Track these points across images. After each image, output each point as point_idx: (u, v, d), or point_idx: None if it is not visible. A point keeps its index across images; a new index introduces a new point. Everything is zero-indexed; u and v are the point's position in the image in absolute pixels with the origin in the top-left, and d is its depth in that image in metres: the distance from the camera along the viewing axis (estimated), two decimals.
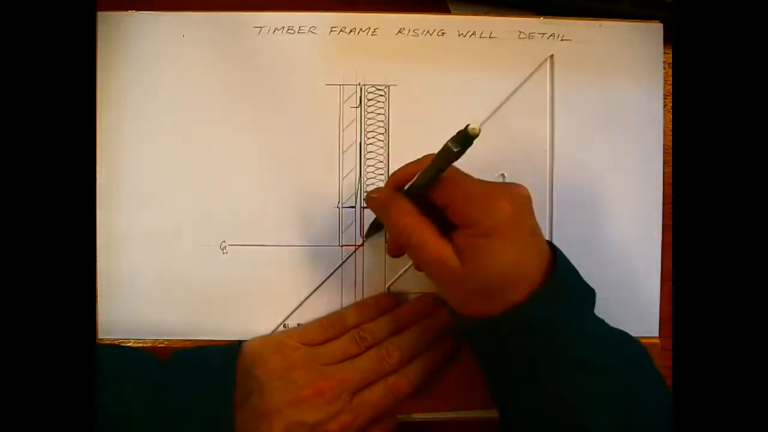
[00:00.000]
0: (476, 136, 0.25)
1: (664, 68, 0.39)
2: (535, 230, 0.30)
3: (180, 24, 0.38)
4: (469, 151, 0.26)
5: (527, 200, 0.30)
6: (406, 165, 0.32)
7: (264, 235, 0.38)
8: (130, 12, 0.38)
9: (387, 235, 0.37)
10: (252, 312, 0.38)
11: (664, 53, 0.38)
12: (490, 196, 0.29)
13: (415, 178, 0.30)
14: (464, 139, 0.26)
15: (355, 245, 0.38)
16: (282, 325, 0.38)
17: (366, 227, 0.38)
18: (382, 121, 0.38)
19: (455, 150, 0.26)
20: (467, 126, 0.25)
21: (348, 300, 0.38)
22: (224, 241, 0.38)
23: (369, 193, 0.33)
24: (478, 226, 0.28)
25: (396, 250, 0.34)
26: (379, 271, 0.38)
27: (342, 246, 0.38)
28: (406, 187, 0.31)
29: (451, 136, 0.38)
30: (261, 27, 0.38)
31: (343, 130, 0.38)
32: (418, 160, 0.32)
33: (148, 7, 0.38)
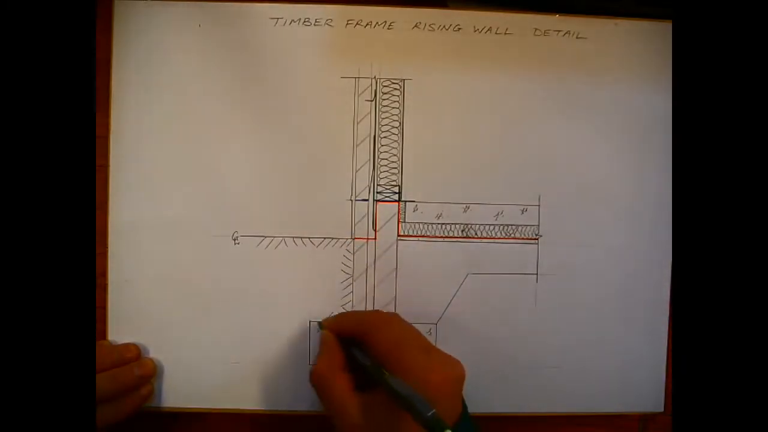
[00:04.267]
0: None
1: None
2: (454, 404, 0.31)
3: (195, 14, 0.38)
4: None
5: (460, 380, 0.31)
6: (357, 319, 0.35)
7: (276, 226, 0.38)
8: (147, 1, 0.38)
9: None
10: (262, 304, 0.38)
11: None
12: (427, 370, 0.30)
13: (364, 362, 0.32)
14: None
15: (366, 238, 0.38)
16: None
17: (378, 221, 0.38)
18: (396, 114, 0.38)
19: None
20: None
21: (359, 292, 0.38)
22: (236, 232, 0.38)
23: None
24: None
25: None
26: (390, 264, 0.38)
27: (354, 238, 0.38)
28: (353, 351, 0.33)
29: (463, 133, 0.39)
30: (277, 18, 0.38)
31: (357, 123, 0.38)
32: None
33: None
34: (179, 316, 0.38)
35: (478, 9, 0.38)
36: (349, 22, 0.38)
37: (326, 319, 0.37)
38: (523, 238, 0.39)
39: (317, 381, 0.33)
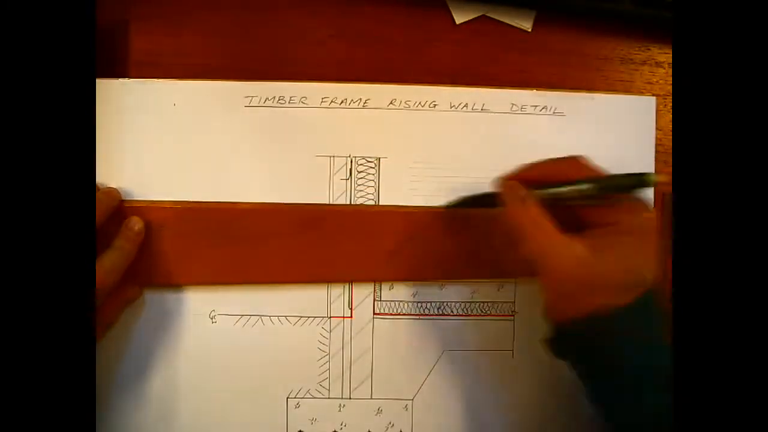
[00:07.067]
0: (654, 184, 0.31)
1: (664, 68, 0.39)
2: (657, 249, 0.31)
3: (171, 92, 0.38)
4: None
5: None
6: (543, 166, 0.33)
7: (253, 304, 0.38)
8: (122, 80, 0.38)
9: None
10: (239, 381, 0.38)
11: (657, 113, 0.39)
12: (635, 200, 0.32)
13: (560, 191, 0.32)
14: (639, 182, 0.30)
15: (343, 316, 0.38)
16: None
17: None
18: (372, 193, 0.38)
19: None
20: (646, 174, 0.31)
21: (335, 369, 0.38)
22: (213, 311, 0.38)
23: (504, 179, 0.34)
24: (619, 224, 0.31)
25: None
26: (366, 342, 0.38)
27: (330, 317, 0.38)
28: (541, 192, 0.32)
29: (443, 210, 0.38)
30: (251, 97, 0.38)
31: (333, 202, 0.38)
32: (552, 163, 0.33)
33: (140, 74, 0.38)
34: (157, 392, 0.38)
35: (478, 12, 0.39)
36: (324, 99, 0.38)
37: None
38: (499, 315, 0.39)
39: (525, 224, 0.31)
